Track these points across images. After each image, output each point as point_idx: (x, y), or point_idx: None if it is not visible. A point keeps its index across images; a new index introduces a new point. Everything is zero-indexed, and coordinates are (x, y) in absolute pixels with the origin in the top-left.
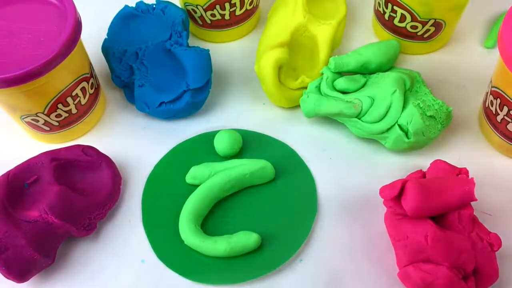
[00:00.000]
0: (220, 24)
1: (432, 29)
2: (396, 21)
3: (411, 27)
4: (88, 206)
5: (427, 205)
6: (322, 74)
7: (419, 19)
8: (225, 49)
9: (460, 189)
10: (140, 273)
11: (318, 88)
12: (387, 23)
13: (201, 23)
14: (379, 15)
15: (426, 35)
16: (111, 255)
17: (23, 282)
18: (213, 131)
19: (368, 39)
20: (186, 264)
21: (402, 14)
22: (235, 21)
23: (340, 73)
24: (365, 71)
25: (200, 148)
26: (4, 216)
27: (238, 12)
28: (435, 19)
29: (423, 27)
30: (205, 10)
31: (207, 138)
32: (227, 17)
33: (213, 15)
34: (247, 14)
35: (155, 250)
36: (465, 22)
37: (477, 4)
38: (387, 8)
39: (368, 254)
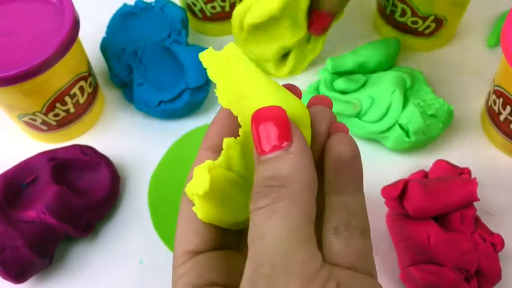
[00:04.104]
0: (221, 17)
1: (433, 25)
2: (397, 16)
3: (412, 22)
4: (86, 206)
5: (429, 205)
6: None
7: (419, 14)
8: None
9: (462, 189)
10: (138, 274)
11: (317, 89)
12: (388, 18)
13: (201, 16)
14: (381, 9)
15: (427, 31)
16: (109, 256)
17: (20, 283)
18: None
19: (369, 35)
20: None
21: (402, 8)
22: None
23: (339, 74)
24: (364, 70)
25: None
26: (1, 216)
27: (238, 3)
28: (435, 15)
29: (423, 23)
30: (206, 3)
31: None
32: (227, 8)
33: (213, 7)
34: None
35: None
36: (467, 21)
37: (479, 2)
38: (388, 1)
39: None
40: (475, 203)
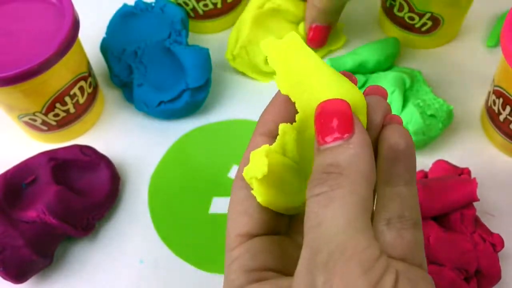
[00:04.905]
0: (213, 14)
1: (429, 23)
2: (395, 10)
3: (409, 18)
4: (86, 206)
5: (429, 206)
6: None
7: (415, 10)
8: (224, 45)
9: (462, 189)
10: (138, 274)
11: None
12: (388, 12)
13: (193, 15)
14: (382, 3)
15: (423, 29)
16: (109, 256)
17: (21, 283)
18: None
19: (375, 31)
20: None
21: (400, 3)
22: (227, 8)
23: None
24: (364, 70)
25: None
26: (1, 216)
27: None
28: (431, 13)
29: (420, 19)
30: (197, 1)
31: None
32: (219, 5)
33: (205, 5)
34: (239, 0)
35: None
36: (467, 21)
37: (479, 2)
38: None
39: None
40: (475, 203)
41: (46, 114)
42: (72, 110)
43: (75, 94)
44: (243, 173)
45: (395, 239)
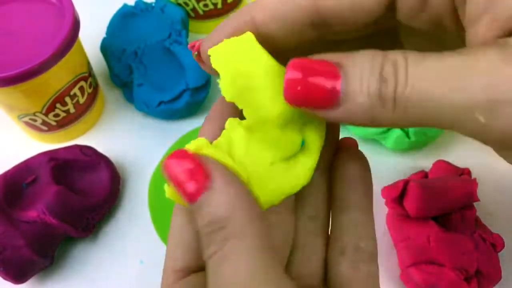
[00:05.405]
0: (213, 14)
1: None
2: None
3: None
4: (87, 206)
5: (429, 206)
6: None
7: None
8: None
9: (462, 190)
10: (138, 274)
11: None
12: None
13: (193, 15)
14: None
15: None
16: (109, 256)
17: (21, 283)
18: None
19: None
20: None
21: None
22: (227, 9)
23: None
24: None
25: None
26: (2, 216)
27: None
28: None
29: None
30: (198, 1)
31: None
32: (219, 5)
33: (205, 5)
34: (239, 0)
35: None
36: None
37: None
38: None
39: None
40: (475, 203)
41: (46, 114)
42: (72, 110)
43: (75, 94)
44: None
45: (350, 272)
